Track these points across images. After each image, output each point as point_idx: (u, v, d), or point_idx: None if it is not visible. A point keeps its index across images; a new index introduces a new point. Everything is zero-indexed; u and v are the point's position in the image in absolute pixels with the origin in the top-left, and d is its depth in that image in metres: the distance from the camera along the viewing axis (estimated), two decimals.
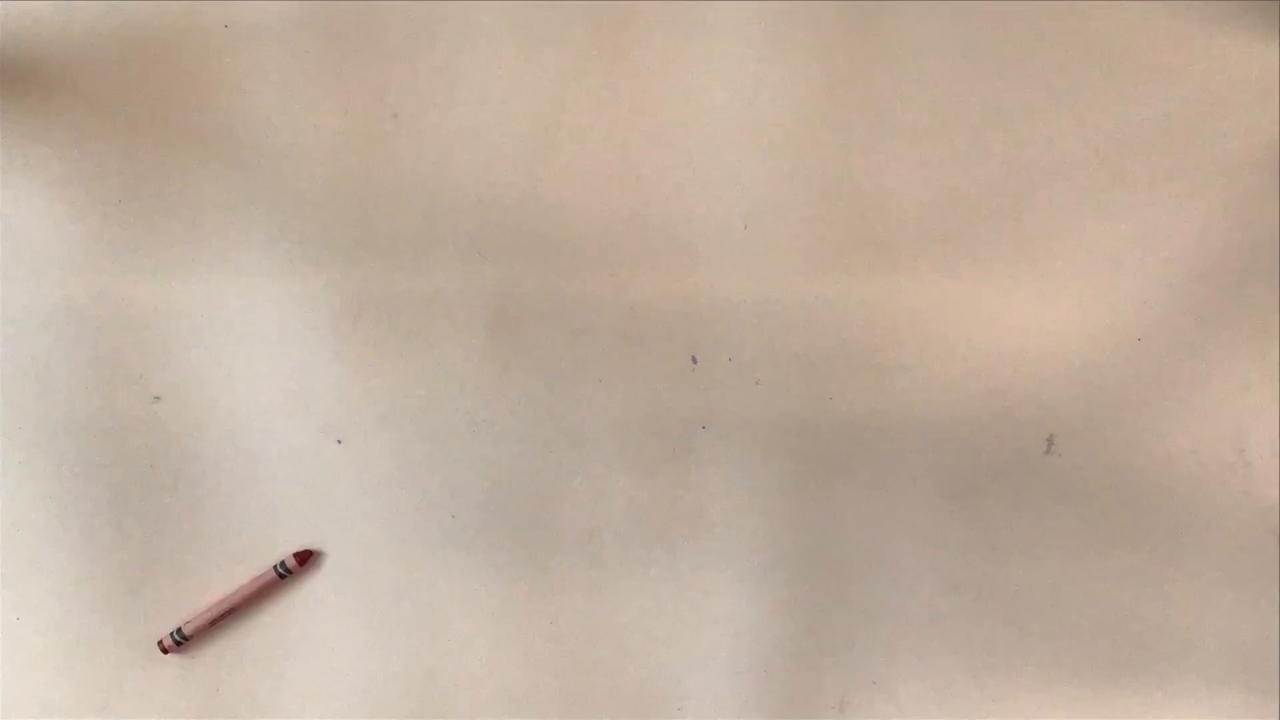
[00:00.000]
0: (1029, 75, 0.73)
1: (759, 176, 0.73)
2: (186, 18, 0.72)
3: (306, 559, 0.71)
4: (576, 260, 0.73)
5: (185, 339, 0.72)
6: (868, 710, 0.72)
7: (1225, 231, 0.73)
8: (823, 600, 0.72)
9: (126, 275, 0.72)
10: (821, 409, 0.72)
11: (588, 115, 0.73)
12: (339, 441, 0.72)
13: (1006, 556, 0.72)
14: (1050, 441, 0.73)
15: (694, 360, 0.73)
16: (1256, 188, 0.73)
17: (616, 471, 0.72)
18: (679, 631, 0.72)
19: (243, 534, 0.72)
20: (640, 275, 0.73)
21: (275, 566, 0.71)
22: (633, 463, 0.72)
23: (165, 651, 0.71)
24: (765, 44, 0.73)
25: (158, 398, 0.72)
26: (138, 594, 0.71)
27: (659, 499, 0.72)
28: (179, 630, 0.70)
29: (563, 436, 0.72)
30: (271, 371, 0.72)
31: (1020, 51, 0.73)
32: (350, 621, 0.72)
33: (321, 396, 0.72)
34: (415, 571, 0.72)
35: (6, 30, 0.72)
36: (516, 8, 0.73)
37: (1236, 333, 0.72)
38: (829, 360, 0.73)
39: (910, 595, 0.72)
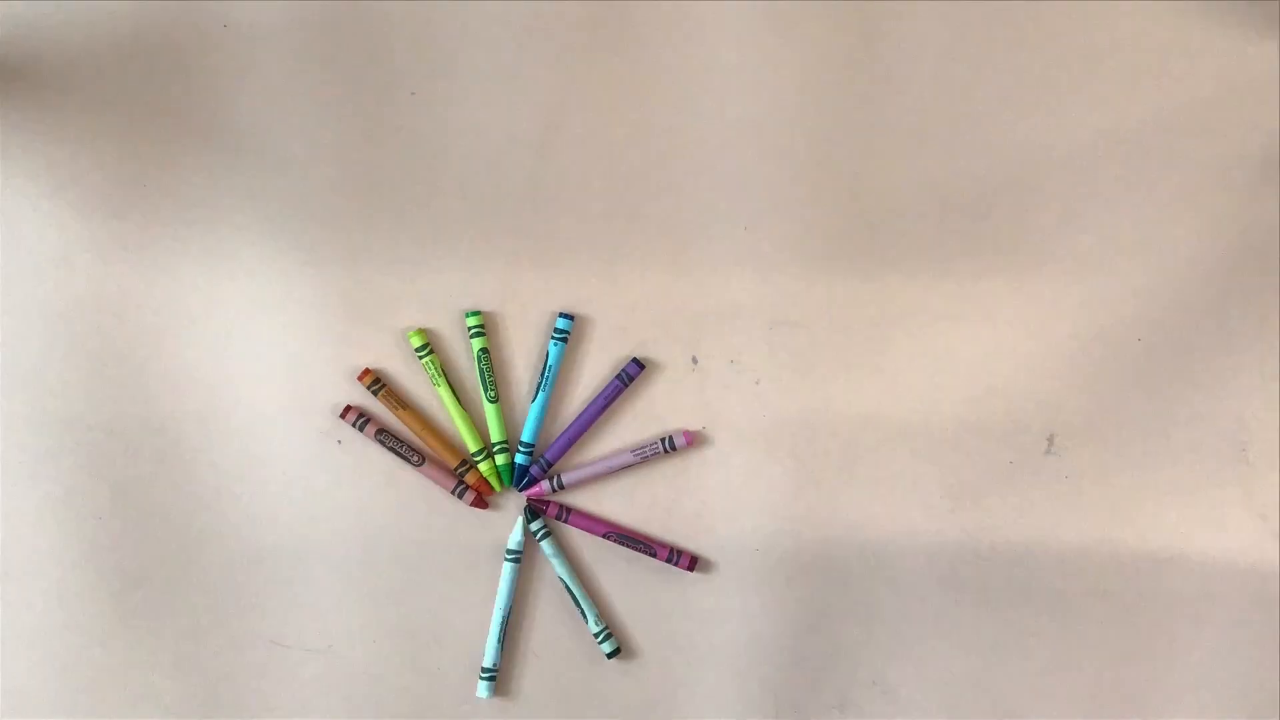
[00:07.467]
0: (1028, 75, 0.73)
1: (759, 176, 0.73)
2: (186, 18, 0.72)
3: (690, 438, 0.71)
4: (576, 260, 0.73)
5: (185, 339, 0.72)
6: (868, 710, 0.72)
7: (1225, 231, 0.73)
8: (823, 600, 0.72)
9: (126, 275, 0.72)
10: (821, 409, 0.72)
11: (588, 115, 0.73)
12: (339, 441, 0.72)
13: (1007, 556, 0.72)
14: (1050, 441, 0.73)
15: (694, 360, 0.73)
16: (1256, 188, 0.73)
17: (617, 472, 0.72)
18: (679, 631, 0.72)
19: (241, 533, 0.72)
20: (640, 275, 0.73)
21: (661, 441, 0.71)
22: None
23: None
24: (765, 44, 0.73)
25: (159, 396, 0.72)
26: (137, 594, 0.71)
27: (659, 499, 0.72)
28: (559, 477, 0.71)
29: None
30: (271, 371, 0.72)
31: (1019, 51, 0.73)
32: (348, 620, 0.72)
33: (321, 396, 0.72)
34: (416, 571, 0.72)
35: (6, 30, 0.72)
36: (516, 9, 0.73)
37: (1236, 333, 0.72)
38: (829, 360, 0.73)
39: (910, 595, 0.72)
